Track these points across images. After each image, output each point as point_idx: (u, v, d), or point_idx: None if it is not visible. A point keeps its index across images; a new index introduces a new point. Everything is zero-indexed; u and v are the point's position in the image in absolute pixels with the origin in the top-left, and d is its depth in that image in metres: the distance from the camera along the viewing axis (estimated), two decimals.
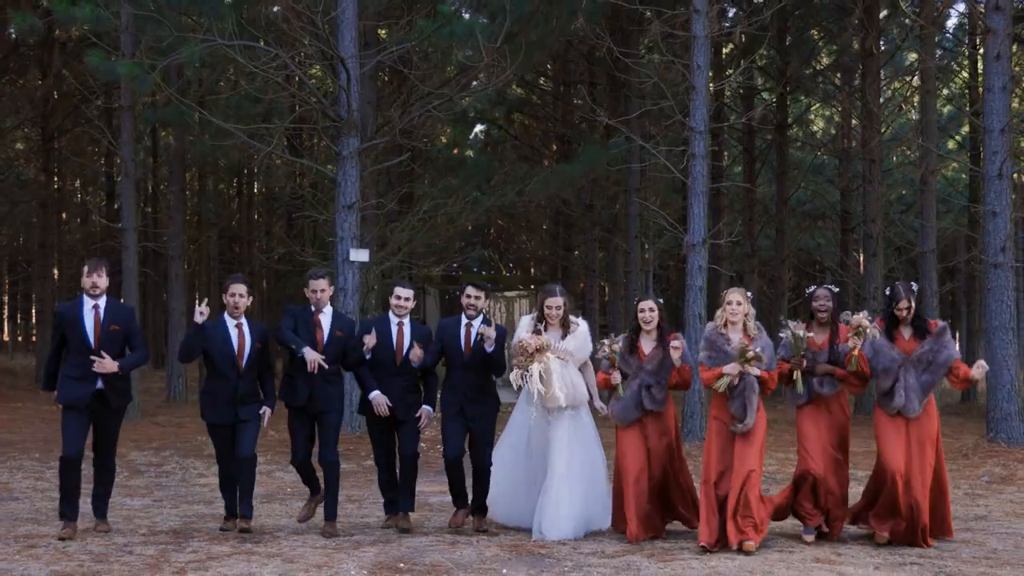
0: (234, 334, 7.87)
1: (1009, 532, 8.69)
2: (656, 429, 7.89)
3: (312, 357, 7.79)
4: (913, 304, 7.52)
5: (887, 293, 7.59)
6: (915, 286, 7.66)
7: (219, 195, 29.51)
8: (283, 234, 23.92)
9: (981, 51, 17.28)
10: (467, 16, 16.04)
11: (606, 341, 8.00)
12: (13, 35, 19.23)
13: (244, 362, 7.84)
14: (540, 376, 7.69)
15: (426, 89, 15.10)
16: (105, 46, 16.26)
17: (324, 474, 7.97)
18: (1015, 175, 21.44)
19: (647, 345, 7.91)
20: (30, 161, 28.05)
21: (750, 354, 7.33)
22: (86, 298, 7.62)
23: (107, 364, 7.52)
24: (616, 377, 7.85)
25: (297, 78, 14.56)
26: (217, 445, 8.10)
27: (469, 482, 8.26)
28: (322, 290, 8.10)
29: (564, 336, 8.06)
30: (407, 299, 8.26)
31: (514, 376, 7.79)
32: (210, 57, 14.86)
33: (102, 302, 7.64)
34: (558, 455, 7.87)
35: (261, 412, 7.93)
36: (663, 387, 7.80)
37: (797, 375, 7.59)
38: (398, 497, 8.34)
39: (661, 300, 8.01)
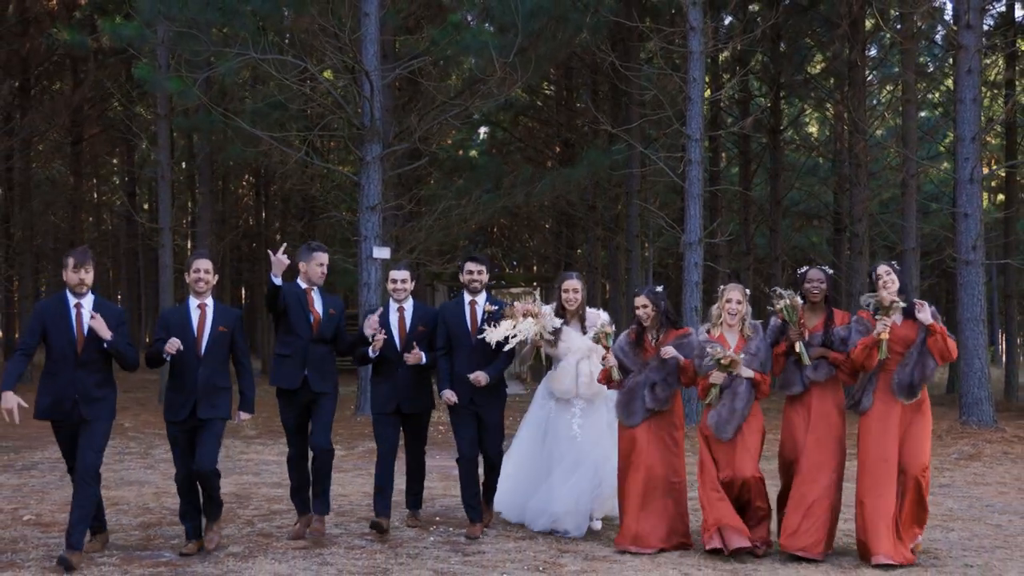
0: (195, 315, 6.98)
1: (966, 496, 9.92)
2: (661, 426, 7.34)
3: (277, 259, 7.14)
4: (896, 279, 6.93)
5: (871, 272, 7.12)
6: (897, 266, 7.13)
7: (234, 195, 30.67)
8: (302, 231, 25.06)
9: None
10: (473, 23, 17.26)
11: (598, 323, 7.52)
12: (47, 45, 20.32)
13: (204, 346, 6.94)
14: (505, 332, 7.48)
15: (442, 99, 16.27)
16: (138, 56, 17.43)
17: (314, 461, 7.47)
18: (1001, 174, 22.62)
19: (653, 339, 7.38)
20: (49, 161, 29.24)
21: (725, 360, 6.89)
22: (69, 296, 6.71)
23: (100, 322, 6.60)
24: (610, 360, 7.32)
25: (326, 89, 15.65)
26: (173, 448, 7.09)
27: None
28: (328, 265, 7.69)
29: (583, 329, 7.79)
30: (404, 281, 7.77)
31: (487, 333, 7.55)
32: (240, 68, 16.03)
33: (87, 301, 6.72)
34: (563, 447, 7.71)
35: (238, 418, 7.12)
36: (669, 385, 7.25)
37: (800, 347, 6.98)
38: (407, 495, 8.07)
39: (661, 290, 7.48)
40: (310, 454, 7.52)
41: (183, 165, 27.30)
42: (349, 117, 15.59)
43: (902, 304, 6.83)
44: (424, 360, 7.65)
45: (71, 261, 6.71)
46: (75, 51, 17.70)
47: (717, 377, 6.97)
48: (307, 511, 7.63)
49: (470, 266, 7.85)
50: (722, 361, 6.87)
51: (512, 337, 7.51)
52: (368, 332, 7.51)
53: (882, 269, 7.01)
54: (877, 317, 6.80)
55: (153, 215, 28.85)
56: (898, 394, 6.89)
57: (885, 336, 6.75)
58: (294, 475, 7.65)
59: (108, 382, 6.81)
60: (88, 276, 6.69)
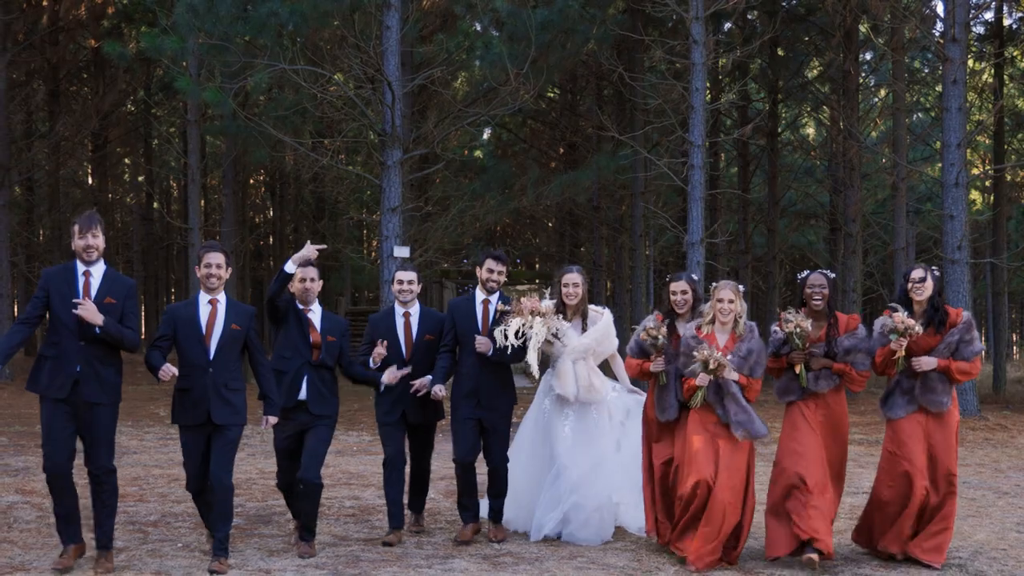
0: (205, 312, 6.44)
1: None
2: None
3: (307, 248, 6.84)
4: (931, 285, 6.77)
5: (905, 275, 6.93)
6: (936, 271, 6.92)
7: (250, 196, 31.61)
8: (318, 230, 25.98)
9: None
10: (487, 32, 18.23)
11: (649, 323, 7.04)
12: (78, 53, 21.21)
13: (214, 346, 6.40)
14: (516, 332, 7.14)
15: (459, 107, 17.22)
16: (162, 63, 18.34)
17: (300, 491, 6.95)
18: (994, 174, 23.52)
19: (683, 330, 6.99)
20: (67, 163, 30.22)
21: (712, 364, 6.53)
22: (78, 263, 6.25)
23: (90, 308, 6.07)
24: (659, 364, 6.92)
25: (349, 97, 16.52)
26: (185, 453, 6.56)
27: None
28: (311, 279, 6.97)
29: (583, 327, 7.47)
30: (410, 282, 7.39)
31: (498, 331, 7.19)
32: (272, 79, 16.99)
33: (96, 269, 6.24)
34: (559, 453, 7.41)
35: (263, 423, 6.55)
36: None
37: (800, 370, 6.77)
38: (405, 508, 7.57)
39: (696, 277, 7.37)
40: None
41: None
42: (371, 123, 16.52)
43: (918, 329, 6.65)
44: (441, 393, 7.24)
45: (76, 227, 6.25)
46: (114, 61, 18.59)
47: (703, 379, 6.59)
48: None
49: (491, 264, 7.37)
50: (709, 365, 6.53)
51: (522, 336, 7.17)
52: (374, 359, 7.18)
53: (916, 275, 6.81)
54: (892, 337, 6.67)
55: (163, 213, 29.86)
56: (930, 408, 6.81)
57: (901, 354, 6.71)
58: (288, 500, 7.26)
59: (113, 360, 6.31)
60: (96, 240, 6.23)
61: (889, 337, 6.68)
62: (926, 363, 6.71)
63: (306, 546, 6.88)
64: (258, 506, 8.57)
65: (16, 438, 13.16)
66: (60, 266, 6.34)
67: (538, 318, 7.14)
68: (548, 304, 7.36)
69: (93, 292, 6.18)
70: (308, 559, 6.75)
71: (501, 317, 7.26)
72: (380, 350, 7.13)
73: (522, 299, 7.28)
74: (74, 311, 6.07)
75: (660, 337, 6.89)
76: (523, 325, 7.13)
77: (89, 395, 6.15)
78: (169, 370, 6.23)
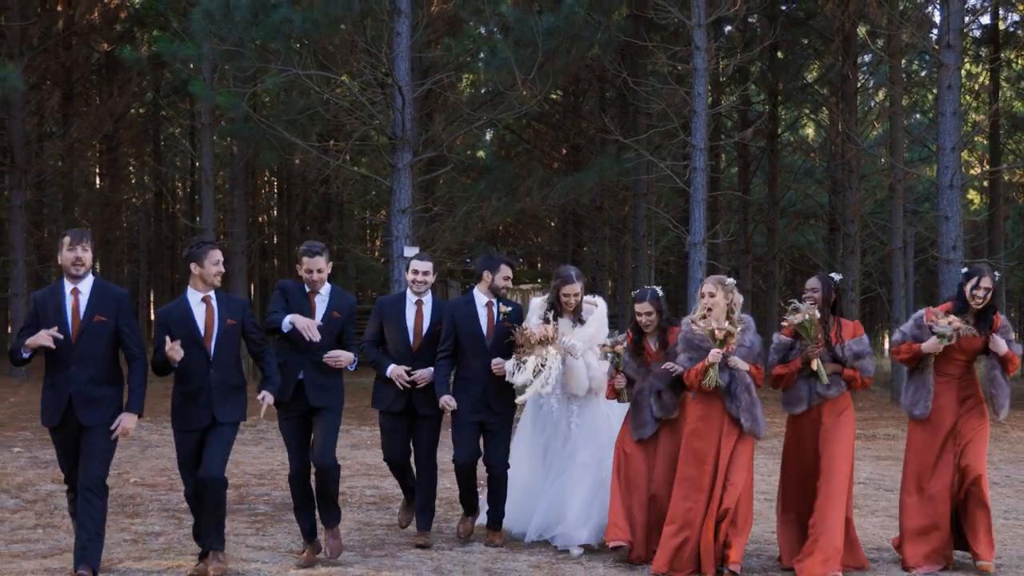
0: (200, 311, 6.24)
1: None
2: (670, 440, 6.82)
3: (303, 324, 6.48)
4: (989, 295, 6.58)
5: (964, 272, 6.75)
6: (997, 275, 6.73)
7: (258, 197, 32.04)
8: (332, 231, 26.43)
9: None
10: (481, 32, 18.71)
11: (608, 341, 7.09)
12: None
13: (213, 344, 6.21)
14: (534, 370, 6.98)
15: (467, 111, 17.67)
16: (172, 66, 18.76)
17: (317, 479, 6.72)
18: (995, 175, 23.98)
19: (653, 344, 6.99)
20: (76, 163, 30.69)
21: (719, 333, 6.40)
22: (65, 281, 6.02)
23: (126, 424, 6.01)
24: (620, 381, 6.96)
25: (360, 101, 16.96)
26: (180, 454, 6.36)
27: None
28: (319, 270, 6.72)
29: (580, 319, 7.34)
30: (425, 273, 7.30)
31: (509, 365, 7.05)
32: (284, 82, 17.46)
33: (85, 285, 6.01)
34: (564, 451, 7.33)
35: (260, 397, 6.27)
36: (674, 392, 6.78)
37: (818, 364, 6.50)
38: (416, 513, 7.40)
39: (661, 293, 7.03)
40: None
41: (196, 164, 28.68)
42: (381, 126, 16.97)
43: (972, 332, 6.52)
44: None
45: (67, 240, 6.00)
46: (127, 64, 19.07)
47: (715, 356, 6.42)
48: (314, 536, 6.77)
49: (508, 271, 7.38)
50: (716, 334, 6.39)
51: (538, 372, 7.01)
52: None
53: (985, 283, 6.59)
54: (939, 338, 6.49)
55: (173, 212, 30.31)
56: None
57: (931, 359, 6.60)
58: (296, 499, 6.81)
59: (111, 380, 6.07)
60: (86, 255, 6.01)
61: (932, 328, 6.51)
62: (1000, 345, 6.58)
63: (333, 538, 6.79)
64: (283, 495, 8.98)
65: (40, 432, 13.56)
66: (47, 288, 6.13)
67: (550, 348, 7.01)
68: (538, 301, 7.37)
69: (82, 311, 5.96)
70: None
71: (507, 319, 7.19)
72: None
73: (525, 331, 7.06)
74: (115, 435, 5.96)
75: (619, 353, 6.93)
76: (539, 362, 6.98)
77: (84, 418, 5.94)
78: (178, 350, 6.03)
